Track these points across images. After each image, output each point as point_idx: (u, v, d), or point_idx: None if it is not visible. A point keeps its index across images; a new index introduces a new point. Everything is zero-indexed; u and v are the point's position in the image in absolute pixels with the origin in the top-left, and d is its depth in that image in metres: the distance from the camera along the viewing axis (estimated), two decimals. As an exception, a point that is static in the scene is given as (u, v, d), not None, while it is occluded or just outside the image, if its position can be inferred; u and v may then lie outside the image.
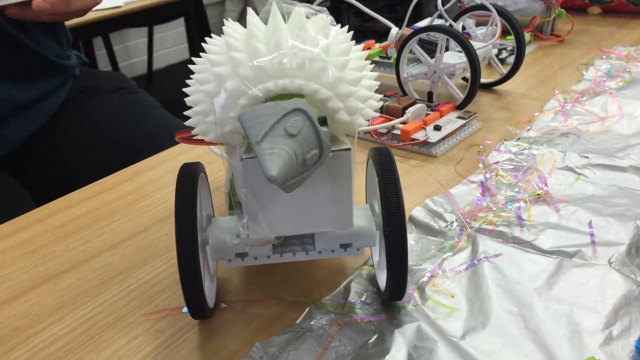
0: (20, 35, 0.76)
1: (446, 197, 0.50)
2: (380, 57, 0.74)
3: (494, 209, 0.48)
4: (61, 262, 0.45)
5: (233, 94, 0.32)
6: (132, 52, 2.80)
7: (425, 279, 0.41)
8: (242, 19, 3.05)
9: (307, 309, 0.39)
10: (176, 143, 0.64)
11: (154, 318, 0.39)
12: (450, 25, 0.71)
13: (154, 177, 0.58)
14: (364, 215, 0.38)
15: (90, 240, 0.48)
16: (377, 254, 0.40)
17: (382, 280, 0.38)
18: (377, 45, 0.77)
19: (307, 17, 0.35)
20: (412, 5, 0.69)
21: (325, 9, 0.43)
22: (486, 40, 0.74)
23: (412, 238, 0.45)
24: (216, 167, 0.57)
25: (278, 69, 0.31)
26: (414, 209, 0.48)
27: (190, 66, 0.36)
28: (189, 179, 0.35)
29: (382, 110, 0.64)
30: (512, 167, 0.54)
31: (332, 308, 0.39)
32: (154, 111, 0.92)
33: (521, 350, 0.35)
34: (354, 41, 0.37)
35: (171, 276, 0.43)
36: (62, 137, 0.83)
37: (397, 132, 0.61)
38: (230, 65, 0.33)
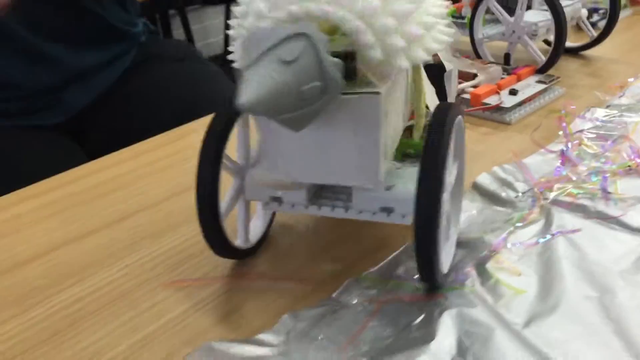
0: (86, 1, 0.75)
1: (518, 166, 0.43)
2: (453, 17, 0.67)
3: (575, 179, 0.41)
4: (95, 221, 0.43)
5: (257, 18, 0.28)
6: (209, 31, 2.81)
7: (486, 253, 0.35)
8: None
9: (346, 282, 0.34)
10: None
11: (177, 286, 0.36)
12: (534, -20, 0.63)
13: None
14: (415, 177, 0.32)
15: (126, 200, 0.45)
16: None
17: None
18: (451, 4, 0.70)
19: None
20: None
21: None
22: (575, -1, 0.65)
23: (475, 207, 0.39)
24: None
25: None
26: (480, 175, 0.42)
27: None
28: (225, 113, 0.33)
29: (451, 73, 0.57)
30: (598, 135, 0.47)
31: (374, 283, 0.34)
32: (219, 80, 0.89)
33: (600, 342, 0.29)
34: None
35: (198, 244, 0.39)
36: (124, 103, 0.81)
37: (468, 96, 0.54)
38: None
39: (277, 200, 0.34)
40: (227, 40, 2.72)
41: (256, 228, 0.38)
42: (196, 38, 2.55)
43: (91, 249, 0.40)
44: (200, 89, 0.86)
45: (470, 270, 0.34)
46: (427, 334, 0.30)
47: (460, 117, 0.32)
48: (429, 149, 0.29)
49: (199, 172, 0.32)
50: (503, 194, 0.40)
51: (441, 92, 0.40)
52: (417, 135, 0.37)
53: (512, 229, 0.37)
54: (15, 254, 0.40)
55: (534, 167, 0.43)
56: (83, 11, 0.75)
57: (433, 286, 0.33)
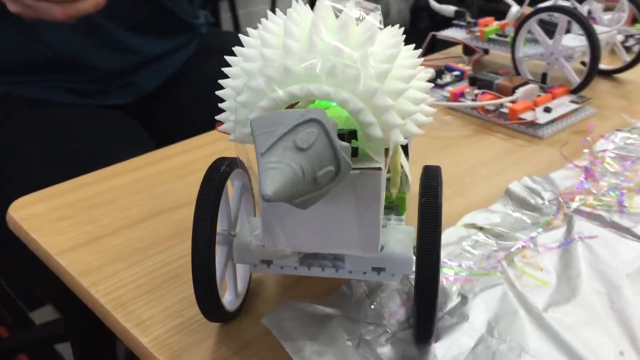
0: None
1: (546, 178, 0.50)
2: (497, 34, 0.73)
3: (595, 193, 0.47)
4: (176, 199, 0.50)
5: (255, 94, 0.29)
6: (255, 18, 2.87)
7: (516, 247, 0.42)
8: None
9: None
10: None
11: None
12: (574, 7, 0.69)
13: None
14: (404, 238, 0.34)
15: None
16: None
17: None
18: (495, 23, 0.76)
19: (358, 19, 0.31)
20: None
21: (379, 7, 0.34)
22: (612, 26, 0.71)
23: (508, 209, 0.46)
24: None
25: (307, 72, 0.28)
26: (512, 183, 0.48)
27: (228, 58, 0.33)
28: (216, 174, 0.34)
29: (492, 87, 0.64)
30: (619, 156, 0.53)
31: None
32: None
33: (604, 329, 0.35)
34: (413, 45, 0.33)
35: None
36: (186, 90, 0.88)
37: (506, 110, 0.60)
38: (261, 62, 0.30)
39: (267, 262, 0.35)
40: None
41: (239, 289, 0.38)
42: (242, 24, 2.62)
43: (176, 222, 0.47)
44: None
45: (501, 260, 0.41)
46: (461, 315, 0.36)
47: None
48: (426, 212, 0.31)
49: (195, 245, 0.32)
50: (532, 201, 0.47)
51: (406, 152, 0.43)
52: (395, 191, 0.39)
53: (539, 230, 0.43)
54: (118, 219, 0.48)
55: (560, 179, 0.50)
56: (158, 5, 0.83)
57: (428, 337, 0.34)
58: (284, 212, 0.32)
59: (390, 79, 0.30)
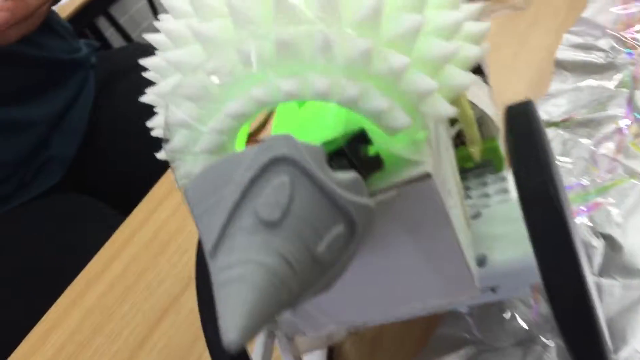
0: (21, 47, 0.68)
1: (584, 22, 0.38)
2: None
3: (655, 8, 0.36)
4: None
5: (189, 133, 0.17)
6: (138, 18, 2.68)
7: (622, 130, 0.30)
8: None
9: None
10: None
11: None
12: None
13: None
14: (513, 229, 0.21)
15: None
16: None
17: None
18: None
19: None
20: None
21: None
22: None
23: (571, 84, 0.34)
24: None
25: (243, 72, 0.16)
26: (557, 51, 0.36)
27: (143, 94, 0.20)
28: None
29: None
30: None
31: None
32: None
33: None
34: None
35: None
36: (109, 133, 0.76)
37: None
38: (176, 75, 0.18)
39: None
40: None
41: None
42: (129, 30, 2.45)
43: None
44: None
45: (616, 157, 0.29)
46: (625, 270, 0.25)
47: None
48: (530, 199, 0.17)
49: None
50: (594, 59, 0.35)
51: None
52: (477, 149, 0.25)
53: (629, 91, 0.32)
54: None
55: (599, 15, 0.38)
56: (25, 60, 0.69)
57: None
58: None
59: (383, 21, 0.16)
